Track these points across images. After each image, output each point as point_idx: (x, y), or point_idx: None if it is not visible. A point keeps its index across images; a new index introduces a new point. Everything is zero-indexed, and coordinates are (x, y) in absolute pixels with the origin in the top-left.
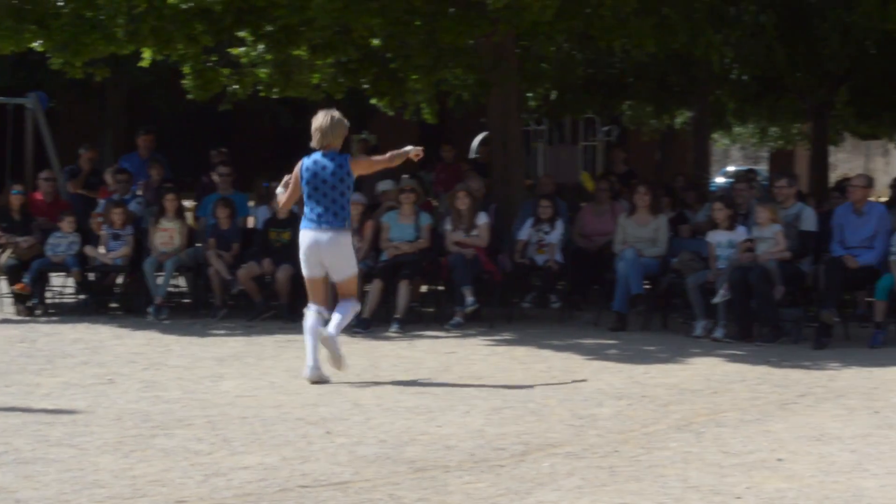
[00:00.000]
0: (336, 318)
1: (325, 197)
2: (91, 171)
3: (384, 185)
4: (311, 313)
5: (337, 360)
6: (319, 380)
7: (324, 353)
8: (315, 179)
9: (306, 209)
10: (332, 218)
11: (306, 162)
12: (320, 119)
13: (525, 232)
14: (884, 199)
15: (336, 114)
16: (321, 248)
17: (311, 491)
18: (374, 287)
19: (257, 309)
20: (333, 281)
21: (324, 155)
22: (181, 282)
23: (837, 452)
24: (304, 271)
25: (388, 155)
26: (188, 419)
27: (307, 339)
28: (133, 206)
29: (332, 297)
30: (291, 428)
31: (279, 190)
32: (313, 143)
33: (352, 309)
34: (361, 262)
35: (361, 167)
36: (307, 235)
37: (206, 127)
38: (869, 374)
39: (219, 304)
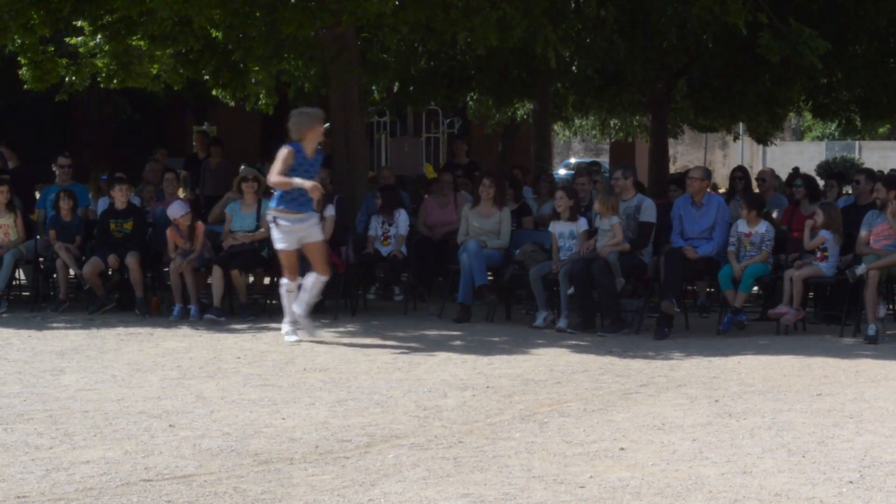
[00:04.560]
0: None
1: None
2: None
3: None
4: None
5: None
6: None
7: None
8: None
9: None
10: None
11: None
12: None
13: (373, 226)
14: (722, 191)
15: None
16: None
17: (155, 485)
18: (216, 275)
19: (98, 302)
20: None
21: None
22: (20, 274)
23: (678, 441)
24: None
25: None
26: (28, 413)
27: None
28: None
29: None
30: (134, 421)
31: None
32: None
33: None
34: (198, 260)
35: None
36: None
37: (44, 118)
38: (709, 363)
39: (62, 297)
